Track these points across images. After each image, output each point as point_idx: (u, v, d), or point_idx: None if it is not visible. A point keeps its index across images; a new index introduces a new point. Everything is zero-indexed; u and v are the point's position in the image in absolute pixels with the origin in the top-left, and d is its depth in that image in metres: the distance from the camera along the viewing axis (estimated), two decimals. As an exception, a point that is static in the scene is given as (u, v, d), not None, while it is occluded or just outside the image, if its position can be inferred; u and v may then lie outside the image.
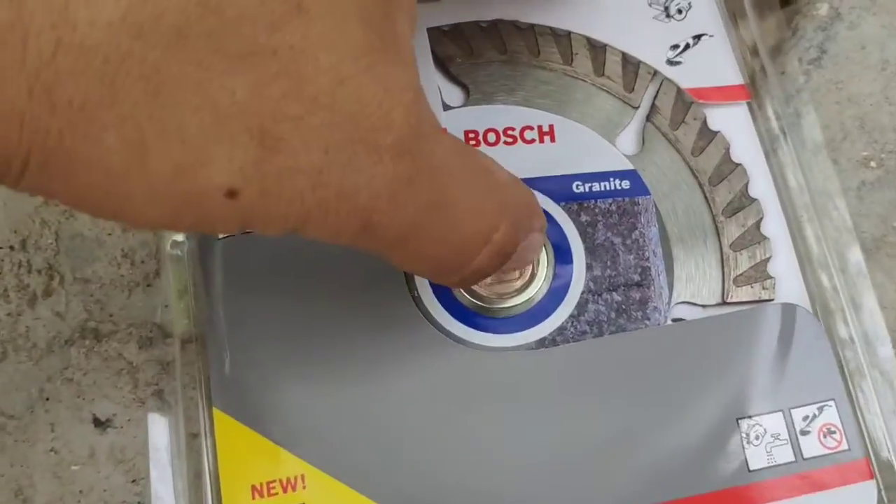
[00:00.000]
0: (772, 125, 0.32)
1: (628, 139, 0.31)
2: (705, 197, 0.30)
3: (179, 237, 0.30)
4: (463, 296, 0.29)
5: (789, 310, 0.29)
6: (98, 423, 0.32)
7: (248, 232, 0.19)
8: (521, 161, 0.30)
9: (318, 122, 0.18)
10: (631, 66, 0.32)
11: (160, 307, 0.30)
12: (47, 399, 0.32)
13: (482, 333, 0.29)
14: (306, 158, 0.18)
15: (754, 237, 0.30)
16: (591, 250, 0.30)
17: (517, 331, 0.29)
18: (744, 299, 0.29)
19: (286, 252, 0.29)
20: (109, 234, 0.34)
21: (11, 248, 0.34)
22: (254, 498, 0.27)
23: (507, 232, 0.22)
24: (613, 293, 0.29)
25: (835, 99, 0.35)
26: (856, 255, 0.30)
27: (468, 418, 0.27)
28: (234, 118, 0.17)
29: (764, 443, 0.28)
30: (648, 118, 0.31)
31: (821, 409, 0.28)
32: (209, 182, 0.18)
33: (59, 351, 0.33)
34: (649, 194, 0.30)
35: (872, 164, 0.33)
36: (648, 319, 0.29)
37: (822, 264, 0.30)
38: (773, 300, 0.29)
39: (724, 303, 0.29)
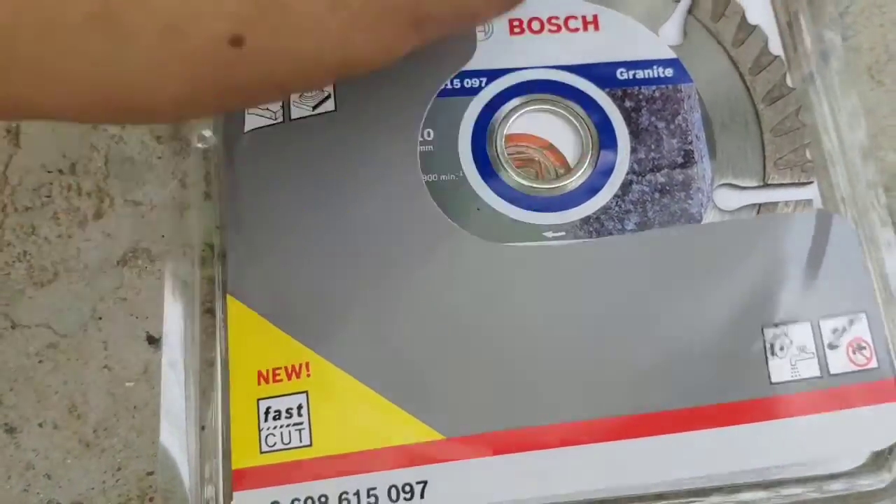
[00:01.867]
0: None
1: (671, 30, 0.31)
2: (746, 86, 0.31)
3: (207, 131, 0.30)
4: (509, 176, 0.29)
5: (824, 217, 0.28)
6: (151, 341, 0.32)
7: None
8: (565, 49, 0.31)
9: None
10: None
11: (213, 227, 0.30)
12: (100, 318, 0.32)
13: (526, 211, 0.29)
14: None
15: (794, 123, 0.30)
16: (635, 134, 0.30)
17: (562, 209, 0.29)
18: (784, 181, 0.30)
19: (306, 146, 0.29)
20: (159, 158, 0.34)
21: (61, 171, 0.34)
22: (259, 384, 0.27)
23: None
24: (657, 174, 0.30)
25: (878, 22, 0.35)
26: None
27: (481, 310, 0.27)
28: None
29: (789, 355, 0.27)
30: (690, 11, 0.32)
31: (851, 322, 0.28)
32: (208, 32, 0.17)
33: (110, 271, 0.33)
34: (692, 82, 0.31)
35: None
36: (692, 199, 0.29)
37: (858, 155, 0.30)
38: (812, 182, 0.30)
39: (764, 185, 0.30)
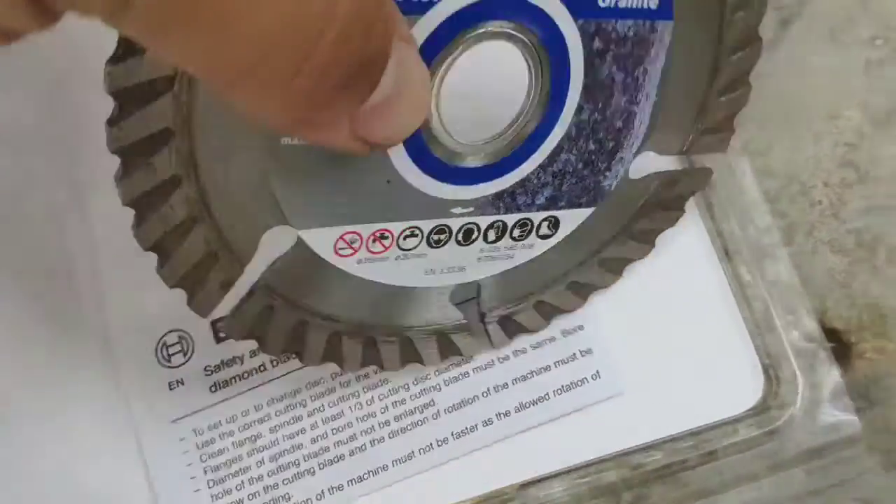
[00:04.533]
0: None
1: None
2: (720, 29, 0.24)
3: None
4: (434, 139, 0.22)
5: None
6: None
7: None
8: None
9: None
10: None
11: None
12: None
13: (440, 183, 0.23)
14: None
15: (740, 82, 0.26)
16: (589, 87, 0.23)
17: (479, 181, 0.23)
18: (702, 151, 0.26)
19: None
20: None
21: None
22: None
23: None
24: (590, 142, 0.24)
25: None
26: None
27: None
28: None
29: None
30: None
31: None
32: None
33: None
34: (671, 18, 0.23)
35: (878, 42, 0.29)
36: (609, 171, 0.25)
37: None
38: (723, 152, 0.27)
39: (682, 152, 0.26)
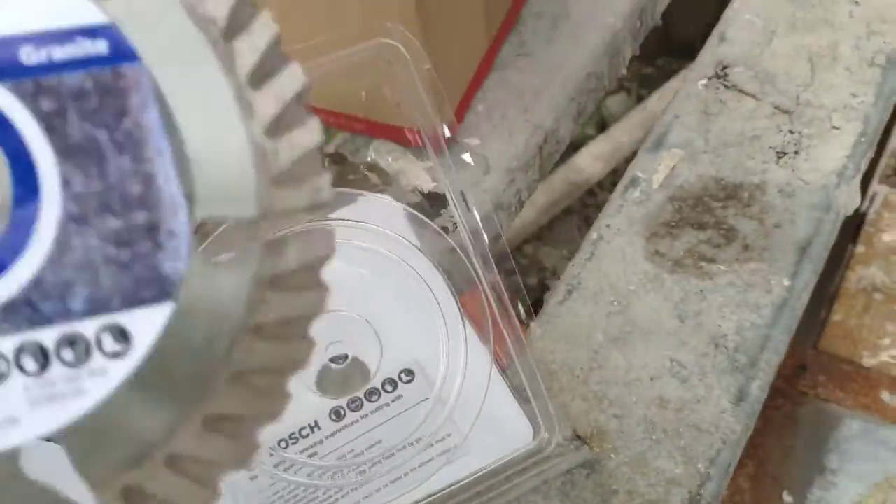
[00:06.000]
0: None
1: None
2: (220, 59, 0.21)
3: None
4: None
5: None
6: None
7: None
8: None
9: None
10: None
11: None
12: None
13: None
14: None
15: (296, 116, 0.22)
16: (64, 154, 0.20)
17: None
18: (293, 206, 0.22)
19: None
20: None
21: None
22: None
23: None
24: (108, 216, 0.20)
25: None
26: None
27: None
28: None
29: None
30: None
31: None
32: None
33: None
34: (137, 59, 0.21)
35: None
36: (162, 249, 0.21)
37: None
38: (328, 204, 0.22)
39: (264, 214, 0.22)
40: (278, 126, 0.21)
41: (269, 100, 0.21)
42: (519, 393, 0.40)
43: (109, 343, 0.21)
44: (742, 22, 0.56)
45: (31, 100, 0.20)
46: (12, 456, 0.20)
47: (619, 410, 0.41)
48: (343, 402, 0.40)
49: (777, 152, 0.50)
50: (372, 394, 0.41)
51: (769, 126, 0.51)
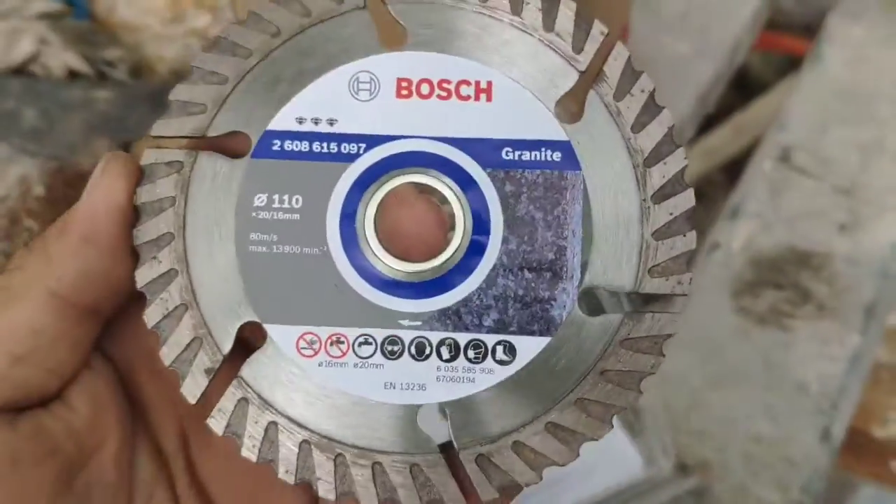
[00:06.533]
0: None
1: (569, 105, 0.29)
2: (637, 178, 0.29)
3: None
4: (374, 256, 0.28)
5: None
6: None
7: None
8: (453, 119, 0.29)
9: None
10: (584, 23, 0.30)
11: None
12: None
13: (385, 295, 0.28)
14: None
15: (680, 228, 0.29)
16: (510, 222, 0.29)
17: (423, 296, 0.29)
18: (657, 291, 0.28)
19: None
20: None
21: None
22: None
23: None
24: (525, 270, 0.29)
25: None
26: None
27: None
28: None
29: None
30: (593, 84, 0.29)
31: None
32: None
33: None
34: (579, 169, 0.29)
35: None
36: (555, 300, 0.28)
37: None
38: (686, 295, 0.29)
39: (635, 292, 0.29)
40: (664, 232, 0.28)
41: (662, 213, 0.28)
42: (631, 427, 0.48)
43: (500, 353, 0.28)
44: (799, 115, 0.67)
45: (500, 183, 0.29)
46: (414, 410, 0.28)
47: (720, 444, 0.48)
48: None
49: (839, 226, 0.59)
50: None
51: (830, 203, 0.60)
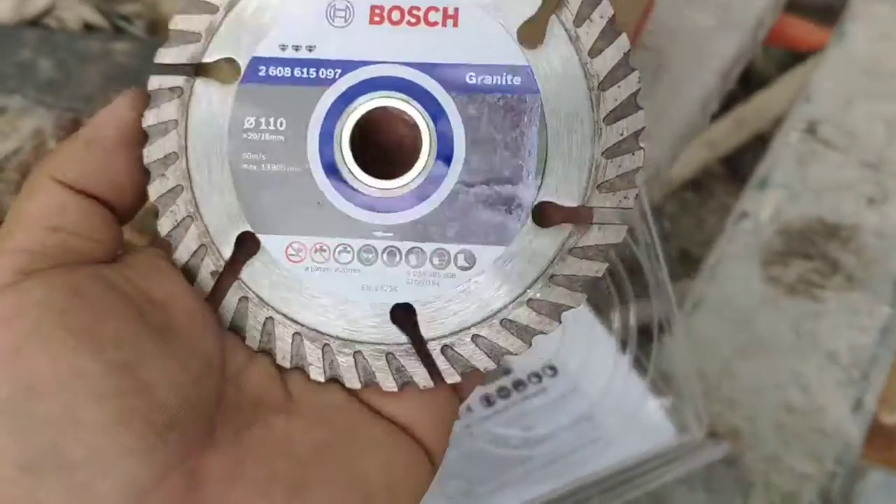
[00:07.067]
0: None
1: (531, 31, 0.32)
2: (591, 101, 0.31)
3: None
4: (351, 175, 0.32)
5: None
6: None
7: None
8: (421, 45, 0.32)
9: None
10: (547, -48, 0.31)
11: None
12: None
13: (362, 210, 0.32)
14: None
15: (629, 147, 0.31)
16: (472, 144, 0.32)
17: (393, 211, 0.32)
18: (604, 205, 0.31)
19: None
20: None
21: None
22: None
23: None
24: (484, 186, 0.32)
25: None
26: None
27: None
28: None
29: None
30: (555, 11, 0.31)
31: None
32: None
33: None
34: (538, 92, 0.31)
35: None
36: (511, 214, 0.32)
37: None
38: (631, 209, 0.31)
39: (583, 206, 0.31)
40: (613, 151, 0.31)
41: (613, 134, 0.31)
42: (662, 393, 0.51)
43: (462, 260, 0.32)
44: (824, 89, 0.67)
45: (463, 106, 0.31)
46: (388, 308, 0.32)
47: (750, 413, 0.51)
48: (492, 389, 0.50)
49: (868, 199, 0.60)
50: (518, 384, 0.50)
51: (858, 176, 0.61)
